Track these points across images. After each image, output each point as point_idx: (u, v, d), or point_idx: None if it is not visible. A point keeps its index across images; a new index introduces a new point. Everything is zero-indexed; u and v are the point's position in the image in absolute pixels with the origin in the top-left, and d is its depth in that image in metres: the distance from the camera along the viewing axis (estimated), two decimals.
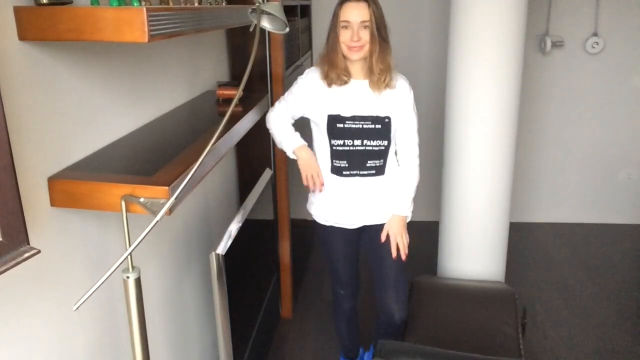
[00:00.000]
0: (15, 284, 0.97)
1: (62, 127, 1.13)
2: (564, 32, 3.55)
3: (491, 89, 2.42)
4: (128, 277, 1.09)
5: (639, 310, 2.82)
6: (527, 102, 3.57)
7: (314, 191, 1.90)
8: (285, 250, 2.64)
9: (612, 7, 3.49)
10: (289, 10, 2.65)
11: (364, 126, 1.80)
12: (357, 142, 1.81)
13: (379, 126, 1.80)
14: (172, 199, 1.03)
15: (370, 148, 1.81)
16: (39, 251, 0.84)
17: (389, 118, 1.80)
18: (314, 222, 2.00)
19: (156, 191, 1.06)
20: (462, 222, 2.60)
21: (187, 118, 1.75)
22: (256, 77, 2.39)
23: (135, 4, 1.04)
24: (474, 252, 2.62)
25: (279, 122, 1.93)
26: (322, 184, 1.87)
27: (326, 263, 2.10)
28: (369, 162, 1.83)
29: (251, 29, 1.28)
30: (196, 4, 1.35)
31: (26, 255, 0.82)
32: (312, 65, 1.87)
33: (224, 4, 1.56)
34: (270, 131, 1.97)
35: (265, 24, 1.42)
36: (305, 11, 3.27)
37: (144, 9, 0.93)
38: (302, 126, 1.96)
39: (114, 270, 0.95)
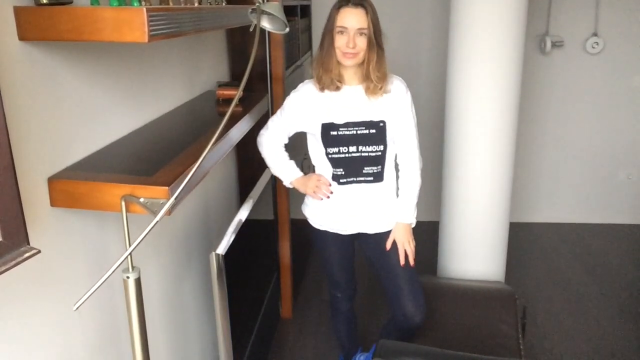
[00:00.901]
0: (15, 284, 0.97)
1: (62, 127, 1.13)
2: (564, 32, 3.55)
3: (491, 89, 2.41)
4: (128, 277, 1.09)
5: (639, 310, 2.82)
6: (527, 102, 3.57)
7: (328, 197, 1.87)
8: (285, 250, 2.63)
9: (612, 7, 3.49)
10: (289, 10, 2.65)
11: (358, 132, 1.77)
12: (352, 148, 1.78)
13: (374, 131, 1.77)
14: (172, 199, 1.03)
15: (367, 154, 1.79)
16: (39, 251, 0.84)
17: (383, 122, 1.77)
18: (309, 224, 1.99)
19: (156, 191, 1.06)
20: (462, 222, 2.60)
21: (187, 118, 1.75)
22: (256, 77, 2.39)
23: (135, 4, 1.04)
24: (474, 252, 2.62)
25: (273, 152, 1.91)
26: (329, 185, 1.85)
27: (322, 266, 2.09)
28: (365, 168, 1.81)
29: (251, 29, 1.28)
30: (196, 4, 1.35)
31: (26, 255, 0.82)
32: (311, 65, 1.85)
33: (224, 4, 1.56)
34: (262, 155, 1.94)
35: (265, 24, 1.42)
36: (305, 11, 3.27)
37: (144, 9, 0.93)
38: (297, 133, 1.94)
39: (114, 270, 0.95)
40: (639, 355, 2.47)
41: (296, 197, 2.65)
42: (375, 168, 1.82)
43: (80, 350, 1.21)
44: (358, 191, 1.84)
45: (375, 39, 1.69)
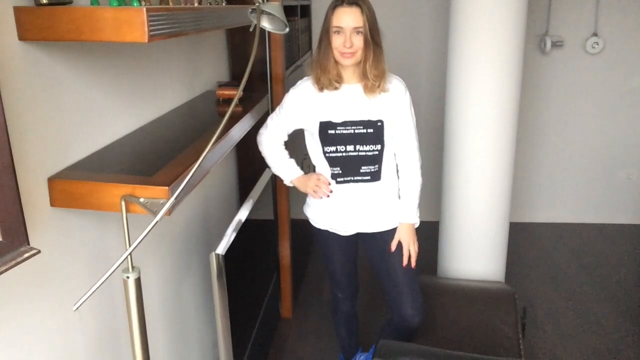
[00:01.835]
0: (15, 284, 0.97)
1: (62, 127, 1.13)
2: (564, 32, 3.55)
3: (491, 89, 2.42)
4: (128, 277, 1.09)
5: (639, 310, 2.82)
6: (527, 102, 3.57)
7: (328, 196, 1.87)
8: (285, 250, 2.64)
9: (612, 7, 3.49)
10: (289, 10, 2.65)
11: (356, 131, 1.77)
12: (350, 147, 1.78)
13: (371, 130, 1.77)
14: (172, 199, 1.03)
15: (364, 153, 1.79)
16: (39, 251, 0.84)
17: (381, 121, 1.77)
18: (311, 225, 1.99)
19: (156, 191, 1.06)
20: (462, 222, 2.60)
21: (187, 118, 1.75)
22: (256, 77, 2.39)
23: (135, 4, 1.04)
24: (474, 252, 2.62)
25: (273, 150, 1.92)
26: (329, 184, 1.85)
27: (324, 265, 2.10)
28: (362, 167, 1.81)
29: (251, 29, 1.28)
30: (196, 4, 1.35)
31: (26, 255, 0.82)
32: (309, 67, 1.85)
33: (224, 4, 1.56)
34: (262, 153, 1.95)
35: (265, 24, 1.42)
36: (305, 11, 3.27)
37: (144, 9, 0.93)
38: (296, 133, 1.95)
39: (114, 270, 0.95)
40: (639, 355, 2.47)
41: (296, 197, 2.65)
42: (373, 167, 1.82)
43: (80, 350, 1.21)
44: (356, 190, 1.84)
45: (372, 37, 1.69)
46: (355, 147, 1.78)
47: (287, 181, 1.94)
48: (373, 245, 1.94)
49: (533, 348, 2.52)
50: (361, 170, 1.81)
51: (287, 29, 1.44)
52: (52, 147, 1.09)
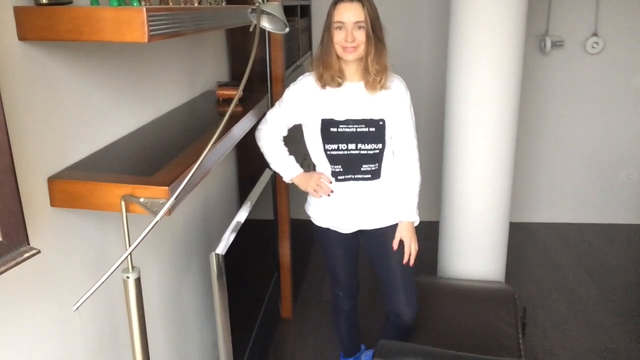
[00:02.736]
0: (15, 284, 0.97)
1: (62, 127, 1.13)
2: (564, 32, 3.55)
3: (491, 88, 2.42)
4: (128, 277, 1.09)
5: (639, 310, 2.82)
6: (527, 102, 3.57)
7: (329, 195, 1.87)
8: (285, 250, 2.64)
9: (612, 7, 3.49)
10: (289, 10, 2.65)
11: (358, 129, 1.77)
12: (352, 145, 1.79)
13: (373, 129, 1.77)
14: (172, 199, 1.03)
15: (365, 152, 1.79)
16: (39, 251, 0.84)
17: (383, 121, 1.78)
18: (312, 223, 1.99)
19: (156, 191, 1.06)
20: (462, 222, 2.60)
21: (187, 118, 1.75)
22: (256, 77, 2.39)
23: (135, 4, 1.04)
24: (474, 252, 2.62)
25: (272, 145, 1.90)
26: (330, 183, 1.85)
27: (324, 264, 2.10)
28: (363, 166, 1.81)
29: (251, 29, 1.28)
30: (196, 4, 1.35)
31: (26, 255, 0.82)
32: (311, 64, 1.86)
33: (224, 4, 1.56)
34: (261, 149, 1.93)
35: (265, 24, 1.42)
36: (305, 11, 3.27)
37: (144, 9, 0.93)
38: (294, 130, 1.94)
39: (114, 270, 0.95)
40: (639, 355, 2.47)
41: (296, 197, 2.65)
42: (373, 166, 1.82)
43: (80, 350, 1.21)
44: (356, 188, 1.84)
45: (374, 32, 1.69)
46: (357, 146, 1.79)
47: (287, 178, 1.94)
48: (372, 240, 1.95)
49: (533, 348, 2.52)
50: (362, 169, 1.82)
51: (287, 29, 1.44)
52: (52, 147, 1.09)
